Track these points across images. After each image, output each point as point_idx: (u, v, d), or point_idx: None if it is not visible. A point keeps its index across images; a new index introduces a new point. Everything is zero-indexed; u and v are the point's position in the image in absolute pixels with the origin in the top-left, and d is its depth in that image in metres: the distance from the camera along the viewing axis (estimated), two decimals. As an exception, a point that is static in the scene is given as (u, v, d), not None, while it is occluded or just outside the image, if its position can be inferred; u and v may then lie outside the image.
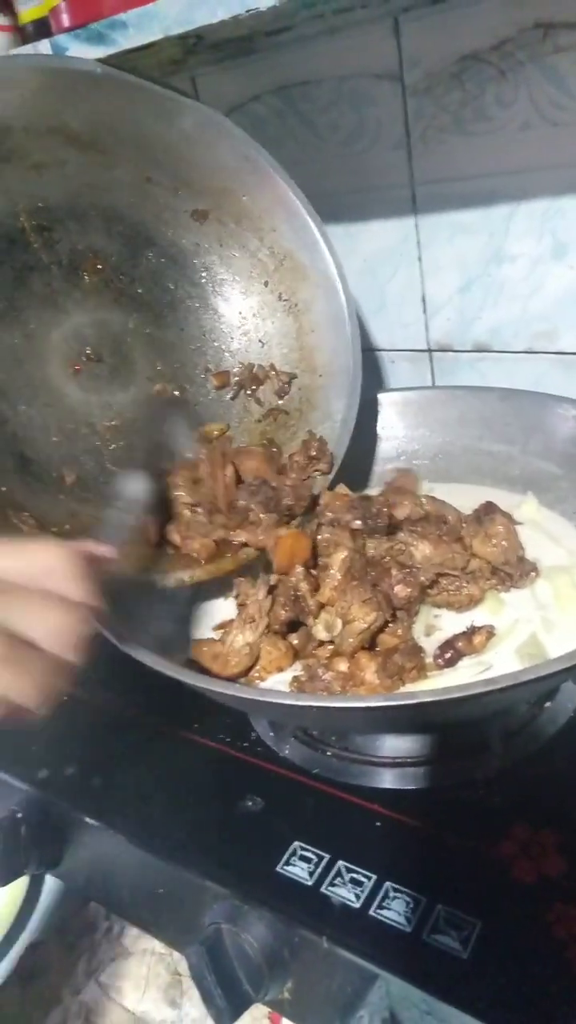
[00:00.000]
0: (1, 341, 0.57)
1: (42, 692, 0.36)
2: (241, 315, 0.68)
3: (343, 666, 0.52)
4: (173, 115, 0.60)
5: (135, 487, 0.54)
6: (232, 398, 0.69)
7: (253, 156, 0.63)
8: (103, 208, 0.62)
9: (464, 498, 0.69)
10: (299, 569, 0.55)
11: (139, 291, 0.65)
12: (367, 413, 0.78)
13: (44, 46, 0.60)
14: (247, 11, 0.49)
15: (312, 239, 0.65)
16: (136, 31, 0.55)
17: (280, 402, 0.67)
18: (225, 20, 0.51)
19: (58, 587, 0.38)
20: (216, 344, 0.68)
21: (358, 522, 0.57)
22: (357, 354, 0.65)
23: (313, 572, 0.55)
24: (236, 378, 0.69)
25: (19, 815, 0.59)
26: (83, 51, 0.58)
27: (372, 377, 0.94)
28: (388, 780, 0.53)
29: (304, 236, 0.65)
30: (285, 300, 0.67)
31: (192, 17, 0.52)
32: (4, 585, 0.36)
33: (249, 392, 0.68)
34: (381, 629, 0.53)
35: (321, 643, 0.54)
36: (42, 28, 0.64)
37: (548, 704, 0.56)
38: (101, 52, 0.57)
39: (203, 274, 0.67)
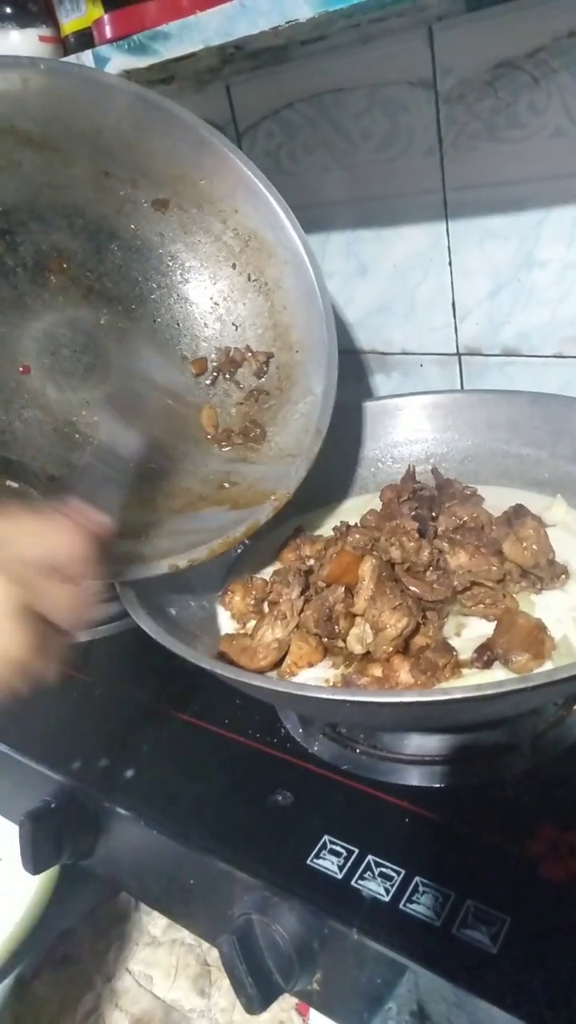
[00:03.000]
0: None
1: (58, 668, 0.41)
2: (212, 300, 0.68)
3: (377, 671, 0.52)
4: (122, 106, 0.59)
5: (128, 447, 0.53)
6: (211, 384, 0.68)
7: (207, 139, 0.62)
8: (63, 206, 0.62)
9: (493, 500, 0.70)
10: (341, 589, 0.56)
11: (108, 286, 0.64)
12: (350, 420, 0.80)
13: (86, 57, 0.62)
14: (287, 22, 0.51)
15: (275, 216, 0.65)
16: (177, 42, 0.56)
17: (260, 381, 0.67)
18: (264, 31, 0.52)
19: (68, 568, 0.41)
20: (190, 332, 0.68)
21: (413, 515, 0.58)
22: (331, 326, 0.64)
23: (351, 593, 0.56)
24: (214, 363, 0.68)
25: (53, 805, 0.60)
26: (125, 61, 0.60)
27: (361, 383, 0.95)
28: (416, 777, 0.54)
29: (267, 214, 0.65)
30: (255, 280, 0.67)
31: (233, 29, 0.53)
32: (29, 574, 0.39)
33: (227, 376, 0.67)
34: (414, 633, 0.53)
35: (360, 657, 0.55)
36: (84, 39, 0.65)
37: (576, 706, 0.56)
38: (143, 62, 0.59)
39: (170, 263, 0.67)
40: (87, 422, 0.61)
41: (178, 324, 0.67)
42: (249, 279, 0.67)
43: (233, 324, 0.67)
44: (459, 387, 0.86)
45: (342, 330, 0.92)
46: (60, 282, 0.62)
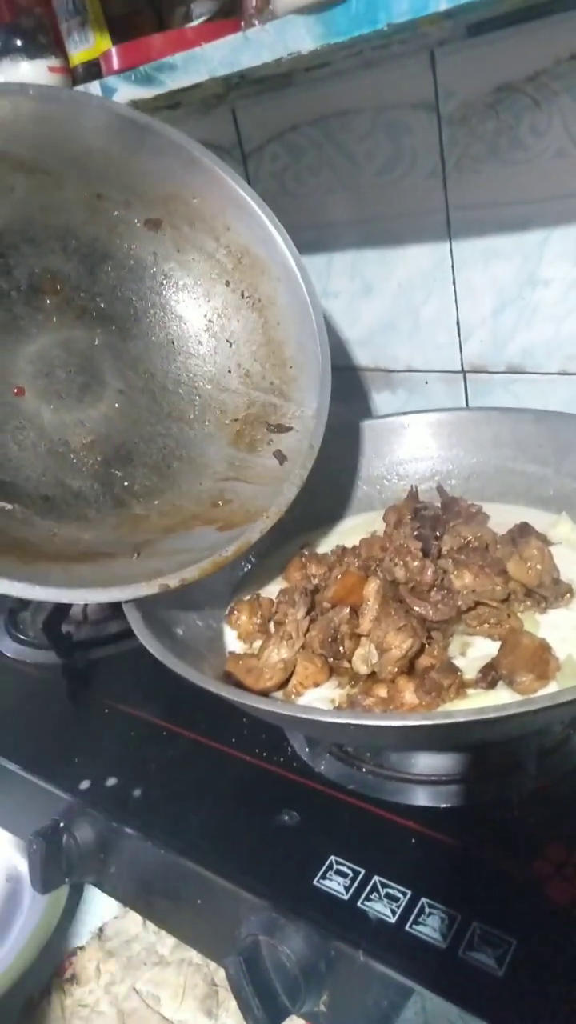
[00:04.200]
0: None
1: None
2: (207, 318, 0.68)
3: (383, 692, 0.52)
4: (112, 129, 0.60)
5: None
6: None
7: (198, 158, 0.63)
8: (56, 229, 0.62)
9: (499, 518, 0.70)
10: (346, 610, 0.56)
11: (102, 306, 0.65)
12: (356, 437, 0.80)
13: (94, 87, 0.63)
14: (289, 54, 0.52)
15: (267, 233, 0.65)
16: (183, 73, 0.57)
17: (256, 395, 0.68)
18: (268, 62, 0.53)
19: None
20: (184, 349, 0.68)
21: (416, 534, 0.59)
22: (324, 342, 0.65)
23: (356, 613, 0.56)
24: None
25: (61, 824, 0.61)
26: (132, 92, 0.61)
27: (367, 400, 0.95)
28: (423, 798, 0.54)
29: (258, 231, 0.65)
30: (248, 297, 0.67)
31: (237, 60, 0.54)
32: None
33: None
34: (419, 654, 0.53)
35: (366, 677, 0.55)
36: (92, 70, 0.67)
37: (583, 725, 0.56)
38: (149, 92, 0.60)
39: (163, 282, 0.67)
40: (82, 442, 0.61)
41: (173, 342, 0.68)
42: (243, 296, 0.67)
43: (228, 341, 0.68)
44: (464, 404, 0.87)
45: (348, 348, 0.93)
46: (54, 303, 0.62)
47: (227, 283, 0.67)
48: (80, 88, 0.65)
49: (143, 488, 0.62)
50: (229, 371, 0.68)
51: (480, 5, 0.45)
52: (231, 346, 0.67)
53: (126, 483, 0.62)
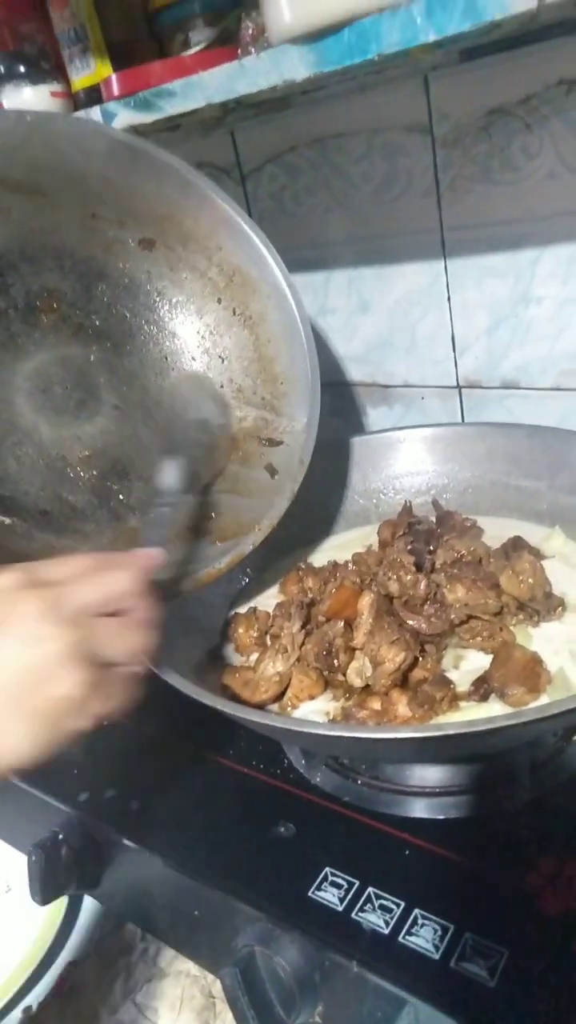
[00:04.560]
0: None
1: (122, 703, 0.41)
2: (199, 334, 0.69)
3: (376, 704, 0.53)
4: (107, 152, 0.61)
5: (169, 478, 0.57)
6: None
7: (190, 180, 0.64)
8: (52, 248, 0.64)
9: (493, 531, 0.71)
10: (340, 623, 0.57)
11: (97, 324, 0.66)
12: (352, 452, 0.82)
13: (95, 112, 0.64)
14: (284, 81, 0.53)
15: (258, 253, 0.66)
16: (181, 99, 0.59)
17: (248, 410, 0.69)
18: (263, 89, 0.55)
19: (129, 608, 0.43)
20: (178, 366, 0.70)
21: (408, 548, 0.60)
22: (314, 359, 0.66)
23: (350, 627, 0.57)
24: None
25: (60, 836, 0.61)
26: (131, 117, 0.63)
27: (364, 416, 0.96)
28: (418, 809, 0.54)
29: (249, 251, 0.66)
30: (239, 314, 0.68)
31: (233, 87, 0.56)
32: (88, 616, 0.40)
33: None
34: (412, 667, 0.54)
35: (360, 689, 0.56)
36: (93, 95, 0.68)
37: (576, 738, 0.57)
38: (148, 118, 0.62)
39: (157, 299, 0.68)
40: (79, 456, 0.63)
41: (166, 358, 0.69)
42: (234, 313, 0.68)
43: (220, 357, 0.69)
44: (460, 419, 0.88)
45: (345, 364, 0.94)
46: (51, 321, 0.64)
47: (219, 300, 0.69)
48: (81, 113, 0.67)
49: (138, 501, 0.63)
50: (221, 386, 0.69)
51: (468, 36, 0.46)
52: (223, 362, 0.69)
53: (121, 496, 0.63)
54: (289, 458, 0.64)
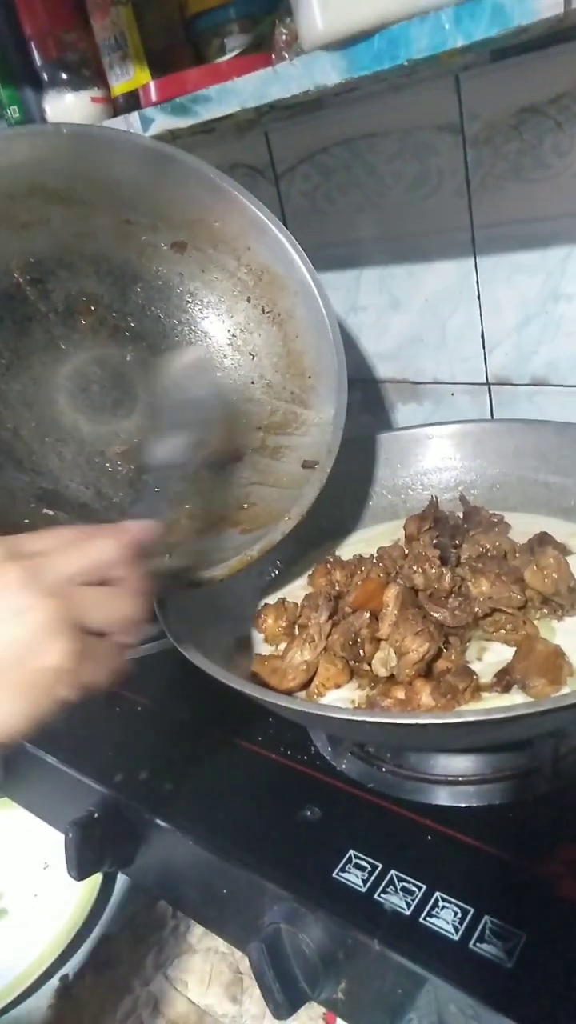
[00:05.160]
0: (11, 389, 0.62)
1: (110, 673, 0.41)
2: (230, 332, 0.71)
3: (400, 693, 0.55)
4: (139, 160, 0.63)
5: (166, 452, 0.57)
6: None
7: (219, 184, 0.66)
8: (89, 254, 0.66)
9: (520, 527, 0.72)
10: (366, 614, 0.58)
11: (132, 325, 0.68)
12: (381, 448, 0.83)
13: (134, 117, 0.67)
14: (316, 87, 0.54)
15: (285, 252, 0.68)
16: (217, 104, 0.61)
17: (278, 404, 0.71)
18: (296, 94, 0.56)
19: (117, 577, 0.42)
20: (210, 363, 0.72)
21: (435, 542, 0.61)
22: (340, 352, 0.68)
23: (376, 619, 0.58)
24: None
25: (96, 815, 0.64)
26: (168, 122, 0.64)
27: (387, 413, 0.97)
28: (440, 797, 0.55)
29: (277, 250, 0.68)
30: (268, 312, 0.70)
31: (267, 92, 0.57)
32: (72, 585, 0.40)
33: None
34: (436, 657, 0.56)
35: (385, 679, 0.57)
36: (132, 100, 0.71)
37: (599, 731, 0.57)
38: (184, 122, 0.64)
39: (189, 300, 0.71)
40: (116, 452, 0.65)
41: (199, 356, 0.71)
42: (263, 311, 0.70)
43: (250, 354, 0.71)
44: (489, 415, 0.88)
45: (376, 361, 0.96)
46: (89, 323, 0.66)
47: (248, 299, 0.71)
48: (120, 118, 0.69)
49: (172, 494, 0.65)
50: (252, 382, 0.71)
51: (495, 40, 0.47)
52: (253, 359, 0.71)
53: (156, 489, 0.65)
54: (318, 449, 0.66)
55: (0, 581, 0.38)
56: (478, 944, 0.46)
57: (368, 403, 0.99)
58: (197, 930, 0.63)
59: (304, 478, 0.65)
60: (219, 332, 0.71)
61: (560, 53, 0.66)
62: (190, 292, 0.70)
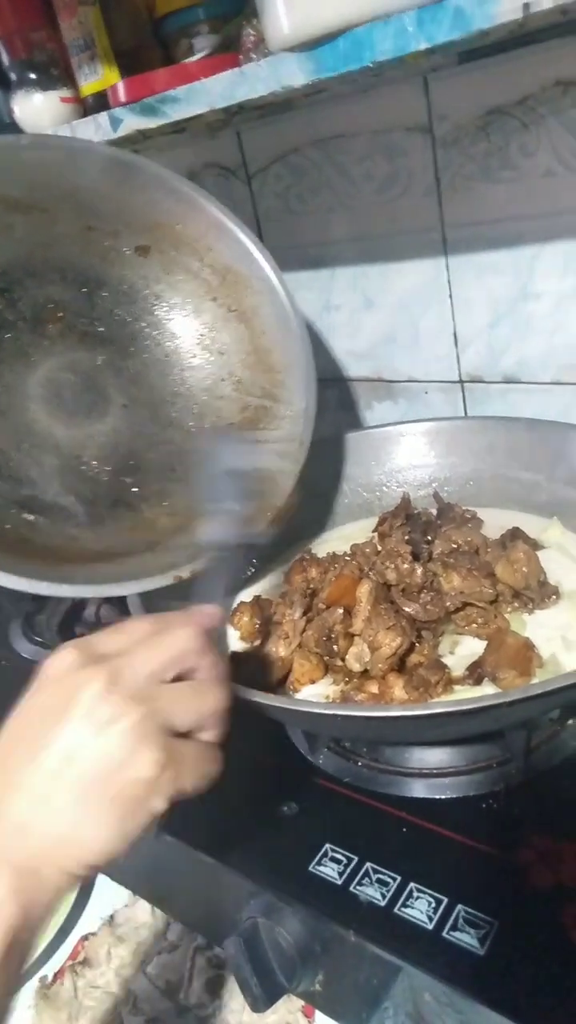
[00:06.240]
0: None
1: (204, 776, 0.39)
2: (198, 332, 0.72)
3: (374, 688, 0.55)
4: (99, 167, 0.65)
5: (210, 532, 0.55)
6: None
7: (177, 187, 0.67)
8: (54, 261, 0.67)
9: (493, 523, 0.73)
10: (340, 610, 0.59)
11: (101, 330, 0.69)
12: (356, 446, 0.84)
13: (103, 118, 0.67)
14: (283, 87, 0.55)
15: (246, 251, 0.69)
16: (185, 105, 0.61)
17: (249, 399, 0.72)
18: (263, 95, 0.57)
19: (194, 668, 0.39)
20: (180, 363, 0.72)
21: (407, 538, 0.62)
22: (307, 347, 0.69)
23: (350, 615, 0.59)
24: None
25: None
26: (137, 122, 0.65)
27: (362, 411, 0.98)
28: (415, 790, 0.56)
29: (238, 249, 0.70)
30: (234, 310, 0.71)
31: (234, 93, 0.58)
32: (155, 685, 0.38)
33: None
34: (408, 652, 0.56)
35: (359, 674, 0.57)
36: (101, 100, 0.71)
37: (571, 721, 0.58)
38: (153, 123, 0.64)
39: (155, 302, 0.71)
40: (92, 455, 0.65)
41: (168, 357, 0.72)
42: (229, 310, 0.71)
43: (219, 352, 0.72)
44: (463, 413, 0.89)
45: (350, 360, 0.96)
46: (57, 330, 0.67)
47: (214, 299, 0.72)
48: (89, 119, 0.69)
49: (152, 492, 0.66)
50: (222, 380, 0.72)
51: (458, 44, 0.48)
52: (222, 356, 0.72)
53: (135, 489, 0.66)
54: (290, 442, 0.66)
55: (81, 690, 0.36)
56: (451, 933, 0.46)
57: (343, 402, 1.00)
58: (177, 927, 0.64)
59: (279, 470, 0.65)
60: (187, 332, 0.72)
61: (526, 55, 0.67)
62: (156, 294, 0.71)
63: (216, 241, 0.69)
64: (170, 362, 0.71)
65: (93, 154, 0.64)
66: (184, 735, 0.38)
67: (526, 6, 0.43)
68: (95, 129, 0.68)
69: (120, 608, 0.72)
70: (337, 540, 0.78)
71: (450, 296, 0.83)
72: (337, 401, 1.00)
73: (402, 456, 0.83)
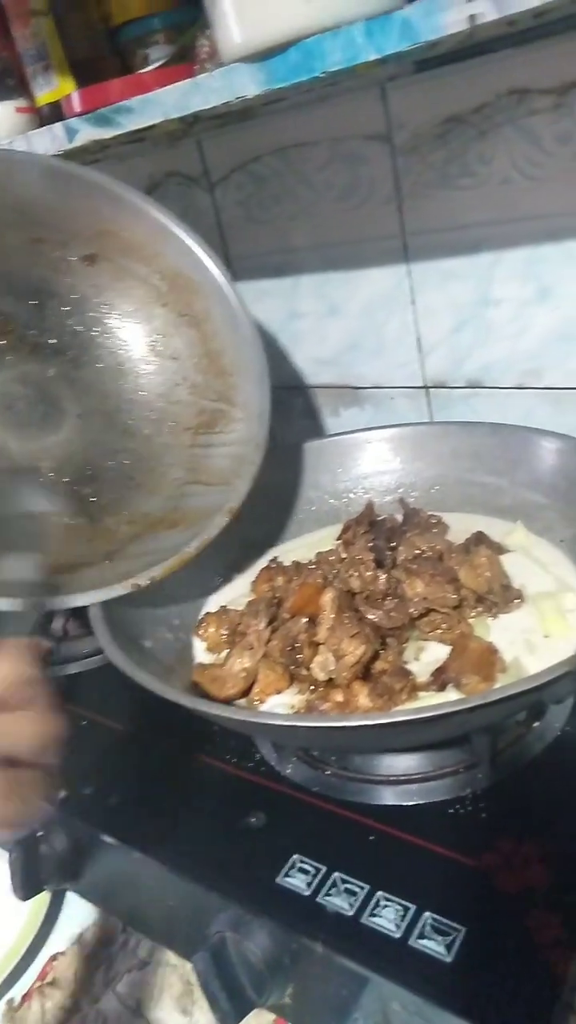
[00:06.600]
0: None
1: (34, 806, 0.37)
2: (150, 339, 0.72)
3: (339, 696, 0.55)
4: (40, 179, 0.64)
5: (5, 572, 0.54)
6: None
7: (120, 195, 0.67)
8: (3, 275, 0.67)
9: (459, 527, 0.73)
10: (303, 620, 0.59)
11: (52, 341, 0.69)
12: (321, 453, 0.84)
13: (58, 128, 0.66)
14: (236, 98, 0.55)
15: (193, 255, 0.69)
16: (139, 115, 0.61)
17: (204, 403, 0.72)
18: (216, 105, 0.56)
19: (22, 696, 0.38)
20: (134, 371, 0.73)
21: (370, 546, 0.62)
22: (258, 346, 0.69)
23: (314, 624, 0.59)
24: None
25: (39, 833, 0.63)
26: (92, 132, 0.64)
27: (329, 418, 0.98)
28: (383, 797, 0.56)
29: (185, 253, 0.69)
30: (185, 315, 0.71)
31: (188, 103, 0.57)
32: None
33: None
34: (373, 659, 0.56)
35: (324, 683, 0.57)
36: (57, 110, 0.70)
37: (536, 724, 0.59)
38: (108, 133, 0.63)
39: (106, 311, 0.71)
40: (49, 466, 0.65)
41: (121, 365, 0.72)
42: (180, 315, 0.71)
43: (172, 358, 0.72)
44: (428, 418, 0.90)
45: (316, 367, 0.96)
46: (9, 343, 0.66)
47: (164, 304, 0.71)
48: (44, 129, 0.68)
49: (110, 501, 0.65)
50: (177, 384, 0.72)
51: (408, 54, 0.48)
52: (176, 361, 0.72)
53: (93, 499, 0.65)
54: (246, 444, 0.67)
55: None
56: (418, 940, 0.46)
57: (310, 409, 1.00)
58: (146, 944, 0.63)
59: (234, 473, 0.65)
60: (139, 339, 0.72)
61: (481, 65, 0.68)
62: (106, 303, 0.71)
63: (163, 246, 0.69)
64: (124, 370, 0.71)
65: (33, 164, 0.63)
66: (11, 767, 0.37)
67: (472, 17, 0.43)
68: (51, 140, 0.68)
69: (86, 623, 0.71)
70: (304, 548, 0.78)
71: (413, 303, 0.84)
72: (304, 408, 1.00)
73: (368, 462, 0.83)
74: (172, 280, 0.70)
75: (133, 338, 0.72)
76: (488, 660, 0.53)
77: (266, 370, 0.68)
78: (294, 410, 1.01)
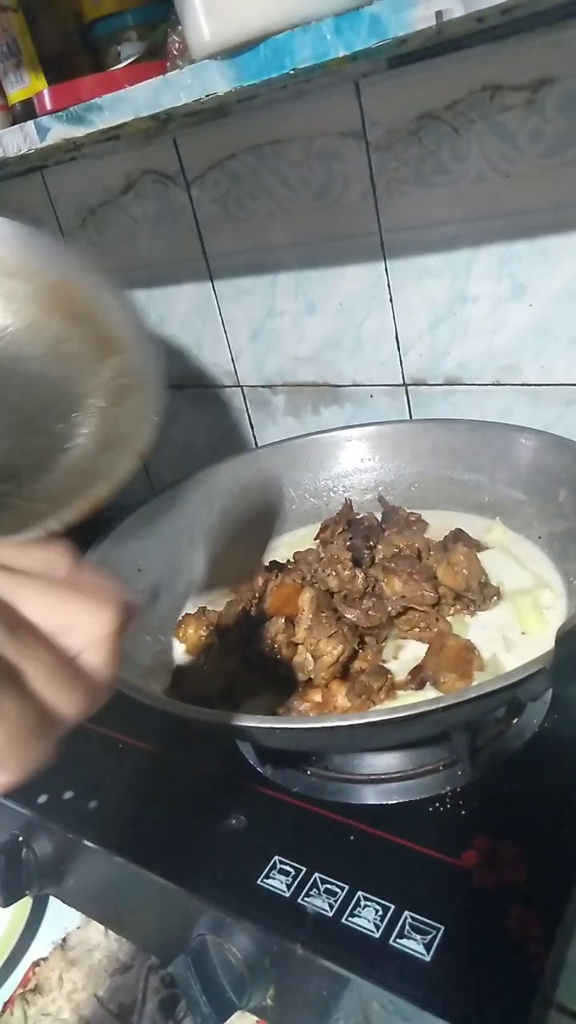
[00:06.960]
0: None
1: (19, 754, 0.27)
2: (46, 347, 0.75)
3: (317, 696, 0.55)
4: None
5: None
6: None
7: None
8: None
9: (438, 524, 0.74)
10: (281, 620, 0.58)
11: None
12: (293, 454, 0.85)
13: (29, 127, 0.65)
14: (207, 95, 0.54)
15: (65, 260, 0.74)
16: (110, 113, 0.60)
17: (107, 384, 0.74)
18: (188, 102, 0.56)
19: (89, 583, 0.30)
20: (43, 377, 0.75)
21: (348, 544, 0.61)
22: (136, 317, 0.73)
23: (292, 624, 0.58)
24: None
25: (21, 839, 0.63)
26: (65, 131, 0.63)
27: (309, 416, 0.98)
28: (363, 796, 0.56)
29: (61, 261, 0.75)
30: (75, 316, 0.75)
31: (159, 101, 0.57)
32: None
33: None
34: (351, 659, 0.56)
35: (304, 683, 0.57)
36: (29, 107, 0.69)
37: (515, 720, 0.59)
38: (80, 131, 0.63)
39: (2, 335, 0.75)
40: None
41: (29, 378, 0.75)
42: (70, 317, 0.75)
43: (72, 357, 0.75)
44: (408, 415, 0.90)
45: (296, 365, 0.96)
46: None
47: (54, 313, 0.75)
48: (16, 127, 0.67)
49: (31, 491, 0.68)
50: (84, 378, 0.74)
51: (377, 51, 0.48)
52: (78, 359, 0.75)
53: (14, 492, 0.67)
54: (145, 404, 0.70)
55: None
56: (397, 940, 0.46)
57: (290, 406, 1.00)
58: (130, 948, 0.63)
59: (138, 428, 0.68)
60: (36, 351, 0.76)
61: (453, 61, 0.68)
62: (2, 328, 0.75)
63: (38, 260, 0.74)
64: (32, 381, 0.74)
65: None
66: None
67: (439, 13, 0.43)
68: (23, 138, 0.67)
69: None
70: (284, 547, 0.78)
71: (391, 300, 0.84)
72: (284, 406, 1.00)
73: (348, 460, 0.83)
74: (56, 290, 0.75)
75: (31, 351, 0.75)
76: (465, 658, 0.53)
77: (143, 325, 0.73)
78: (275, 408, 1.01)
